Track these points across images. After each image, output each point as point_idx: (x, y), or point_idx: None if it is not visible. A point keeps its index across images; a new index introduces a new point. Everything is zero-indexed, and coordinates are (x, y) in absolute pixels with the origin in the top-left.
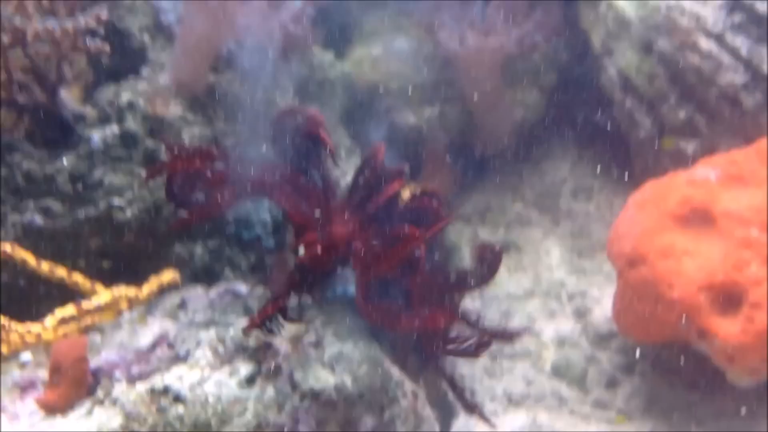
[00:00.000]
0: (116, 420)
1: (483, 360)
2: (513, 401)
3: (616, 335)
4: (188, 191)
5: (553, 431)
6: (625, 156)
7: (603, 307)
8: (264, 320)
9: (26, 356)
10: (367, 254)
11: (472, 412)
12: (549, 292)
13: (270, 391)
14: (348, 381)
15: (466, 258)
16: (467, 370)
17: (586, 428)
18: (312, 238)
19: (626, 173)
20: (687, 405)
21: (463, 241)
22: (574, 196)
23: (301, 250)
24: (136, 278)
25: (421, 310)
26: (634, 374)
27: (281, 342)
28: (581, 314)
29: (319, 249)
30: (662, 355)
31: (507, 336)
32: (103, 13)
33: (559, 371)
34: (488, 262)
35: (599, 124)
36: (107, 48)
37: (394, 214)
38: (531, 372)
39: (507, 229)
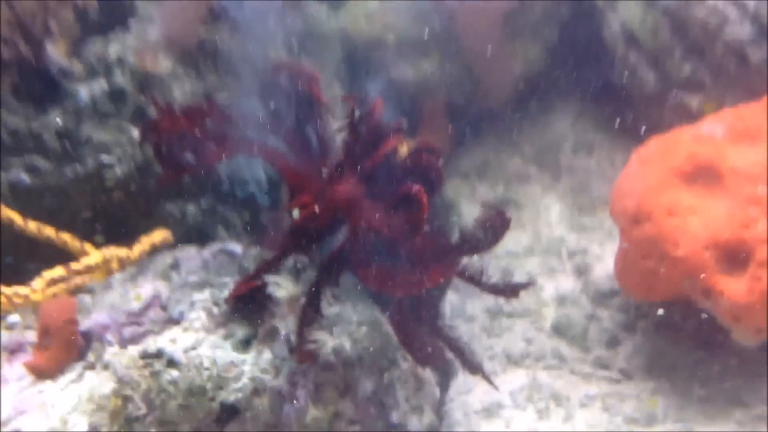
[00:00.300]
0: (108, 385)
1: (482, 318)
2: (512, 360)
3: (618, 293)
4: (178, 150)
5: (553, 391)
6: (627, 111)
7: (604, 264)
8: (241, 297)
9: (14, 317)
10: (365, 214)
11: (474, 372)
12: (549, 249)
13: (266, 355)
14: (347, 344)
15: (464, 214)
16: (465, 328)
17: (587, 388)
18: (307, 199)
19: (628, 128)
20: (690, 364)
21: (461, 197)
22: (575, 151)
23: (297, 212)
24: (127, 237)
25: (420, 271)
26: (635, 333)
27: (278, 304)
28: (582, 272)
29: (315, 210)
30: (665, 313)
31: (509, 291)
32: None
33: (559, 330)
34: (494, 227)
35: (601, 78)
36: (94, 2)
37: (393, 170)
38: (531, 331)
39: (506, 185)
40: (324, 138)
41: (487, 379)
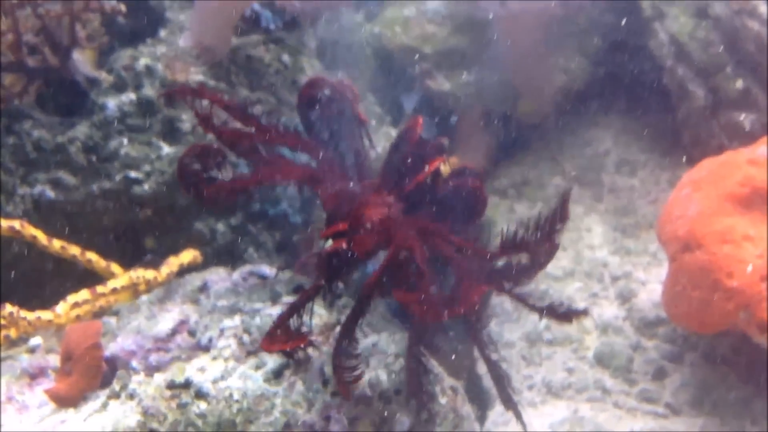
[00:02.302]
0: (133, 417)
1: (520, 345)
2: (553, 391)
3: (664, 322)
4: (207, 170)
5: (596, 425)
6: (674, 128)
7: (649, 290)
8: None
9: (35, 340)
10: (404, 243)
11: (507, 407)
12: (591, 273)
13: (299, 387)
14: (383, 376)
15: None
16: (503, 355)
17: (631, 423)
18: (343, 227)
19: (675, 146)
20: (741, 400)
21: (498, 216)
22: (618, 169)
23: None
24: (154, 256)
25: (465, 297)
26: (683, 365)
27: (311, 332)
28: (626, 298)
29: (350, 240)
30: (715, 345)
31: (564, 315)
32: None
33: (602, 360)
34: (541, 252)
35: (646, 92)
36: (122, 8)
37: (434, 194)
38: (572, 360)
39: (545, 204)
40: (362, 157)
41: (519, 418)
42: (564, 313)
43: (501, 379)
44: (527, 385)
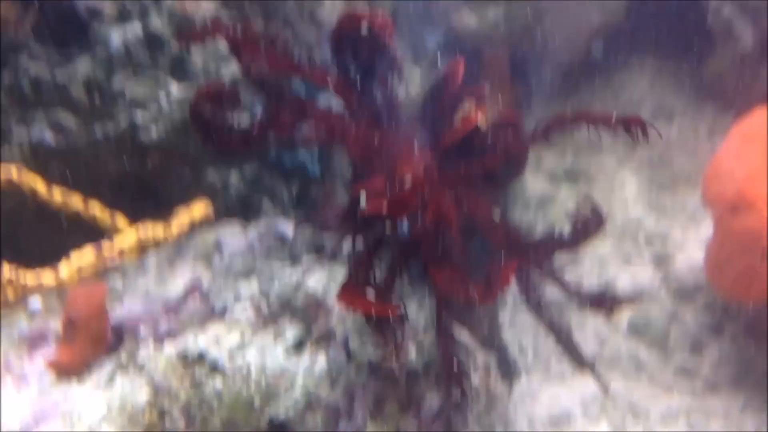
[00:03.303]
0: (143, 392)
1: None
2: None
3: (702, 289)
4: (219, 114)
5: (630, 401)
6: (716, 72)
7: (687, 253)
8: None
9: (35, 303)
10: (442, 208)
11: (582, 367)
12: (624, 232)
13: (321, 362)
14: (411, 351)
15: (527, 188)
16: (529, 321)
17: (668, 400)
18: (379, 185)
19: (716, 93)
20: None
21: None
22: (654, 117)
23: (363, 199)
24: (162, 208)
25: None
26: (723, 336)
27: (334, 300)
28: (661, 261)
29: (385, 205)
30: (758, 316)
31: (608, 304)
32: None
33: (636, 330)
34: (585, 224)
35: (686, 34)
36: None
37: (471, 149)
38: (604, 329)
39: (575, 155)
40: (393, 101)
41: (599, 381)
42: (607, 303)
43: (569, 344)
44: (555, 356)
